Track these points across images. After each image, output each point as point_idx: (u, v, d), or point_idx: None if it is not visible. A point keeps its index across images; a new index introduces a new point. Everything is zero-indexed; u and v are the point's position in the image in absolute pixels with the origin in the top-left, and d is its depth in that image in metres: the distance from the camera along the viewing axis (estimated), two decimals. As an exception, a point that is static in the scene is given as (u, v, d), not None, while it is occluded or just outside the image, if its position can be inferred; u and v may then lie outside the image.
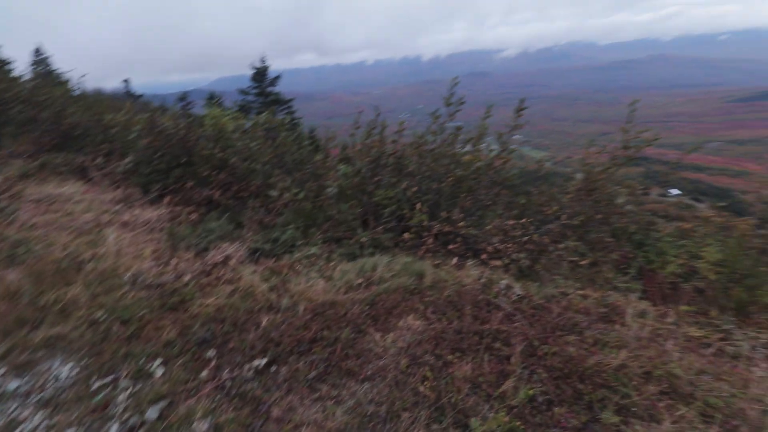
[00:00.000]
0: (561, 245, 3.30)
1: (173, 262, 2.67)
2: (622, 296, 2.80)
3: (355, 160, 4.14)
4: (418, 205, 3.43)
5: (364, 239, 3.18)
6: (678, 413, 1.68)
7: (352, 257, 3.01)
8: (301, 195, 3.82)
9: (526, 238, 3.31)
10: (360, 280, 2.62)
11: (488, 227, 3.31)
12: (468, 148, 3.62)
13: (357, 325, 2.21)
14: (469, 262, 2.97)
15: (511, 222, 3.43)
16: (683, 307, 2.78)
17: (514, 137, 3.81)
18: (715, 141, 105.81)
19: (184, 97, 18.80)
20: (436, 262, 3.02)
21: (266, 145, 4.12)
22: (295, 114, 15.56)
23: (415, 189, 3.61)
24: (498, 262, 3.05)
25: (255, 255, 2.88)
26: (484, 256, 3.08)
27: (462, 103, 3.40)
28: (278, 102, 14.53)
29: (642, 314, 2.45)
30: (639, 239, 4.26)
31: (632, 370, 1.86)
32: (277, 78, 14.52)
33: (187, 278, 2.49)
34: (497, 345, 2.05)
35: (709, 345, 2.20)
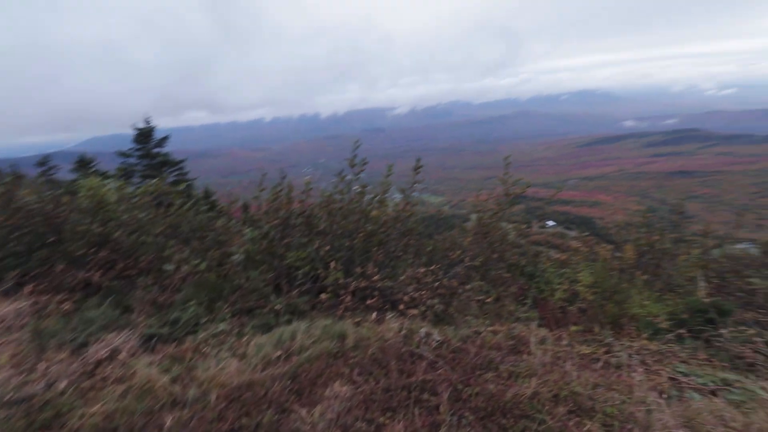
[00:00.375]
0: (468, 286, 3.60)
1: (41, 366, 2.18)
2: (524, 326, 3.14)
3: (261, 222, 4.04)
4: (333, 264, 3.46)
5: (278, 306, 3.04)
6: (585, 428, 1.91)
7: (267, 328, 2.84)
8: (203, 266, 3.54)
9: (437, 284, 3.54)
10: (278, 353, 2.47)
11: (402, 277, 3.47)
12: (375, 203, 3.84)
13: (280, 404, 2.05)
14: (389, 315, 3.04)
15: (422, 270, 3.65)
16: (573, 328, 3.23)
17: (415, 191, 4.18)
18: (572, 179, 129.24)
19: (44, 161, 16.15)
20: (356, 319, 3.02)
21: (158, 214, 3.78)
22: (188, 174, 14.59)
23: (327, 248, 3.65)
24: (415, 311, 3.18)
25: (151, 342, 2.52)
26: (401, 307, 3.19)
27: (365, 163, 3.65)
28: (167, 164, 13.51)
29: (543, 341, 2.77)
30: (530, 271, 4.88)
31: (543, 395, 2.08)
32: (164, 139, 13.60)
33: (62, 385, 2.05)
34: (425, 396, 2.10)
35: (597, 360, 2.58)
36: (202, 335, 2.59)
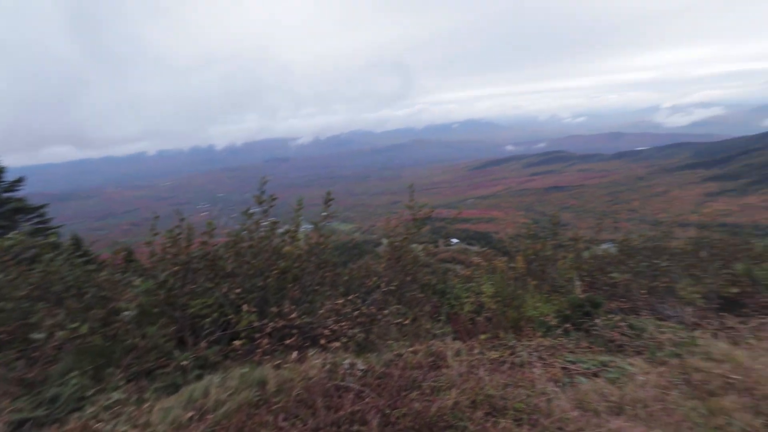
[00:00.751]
0: (386, 311, 3.75)
1: None
2: (441, 342, 3.37)
3: (156, 269, 3.67)
4: (245, 307, 3.29)
5: (185, 362, 2.78)
6: (500, 426, 2.14)
7: (173, 389, 2.56)
8: (84, 328, 3.06)
9: (356, 313, 3.61)
10: (190, 414, 2.26)
11: (321, 311, 3.46)
12: (287, 238, 3.80)
13: (197, 472, 1.87)
14: (311, 352, 3.00)
15: (341, 301, 3.69)
16: (482, 337, 3.57)
17: (327, 221, 4.24)
18: (469, 198, 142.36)
19: None
20: (276, 362, 2.91)
21: (20, 274, 3.17)
22: (51, 221, 12.37)
23: (238, 290, 3.47)
24: (337, 344, 3.19)
25: (23, 430, 2.07)
26: (323, 342, 3.17)
27: (274, 199, 3.62)
28: (21, 210, 11.29)
29: (458, 353, 3.02)
30: (441, 289, 5.26)
31: (463, 403, 2.27)
32: (18, 181, 11.38)
33: None
34: (355, 428, 2.12)
35: (504, 362, 2.90)
36: (90, 410, 2.22)
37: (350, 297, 3.78)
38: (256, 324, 3.22)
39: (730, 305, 4.55)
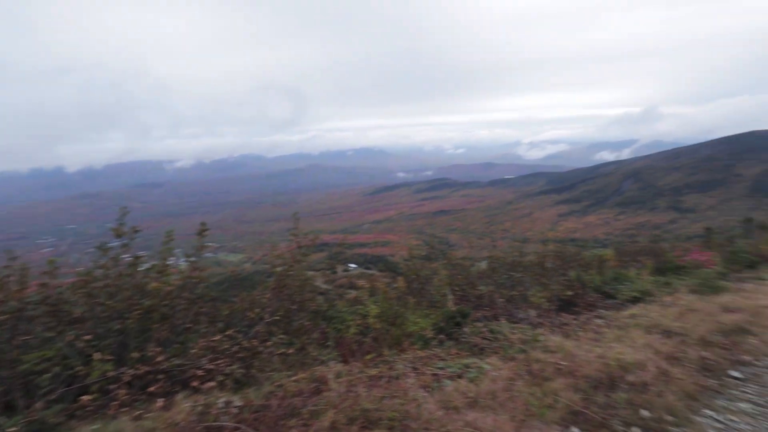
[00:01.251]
0: (269, 342, 3.69)
1: None
2: (326, 367, 3.46)
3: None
4: (97, 355, 2.91)
5: (12, 429, 2.32)
6: (374, 438, 2.31)
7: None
8: None
9: (236, 348, 3.47)
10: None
11: (194, 351, 3.25)
12: (153, 273, 3.50)
13: None
14: (179, 396, 2.79)
15: (218, 337, 3.52)
16: (367, 357, 3.77)
17: (204, 253, 4.03)
18: (365, 223, 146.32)
19: None
20: (136, 413, 2.63)
21: None
22: None
23: (88, 337, 3.05)
24: (212, 384, 3.03)
25: None
26: (195, 383, 2.98)
27: (137, 231, 3.33)
28: None
29: (340, 374, 3.15)
30: (330, 314, 5.36)
31: (340, 422, 2.39)
32: None
33: None
34: (227, 467, 2.06)
35: (382, 377, 3.12)
36: None
37: (229, 332, 3.63)
38: (111, 373, 2.87)
39: (567, 305, 5.62)
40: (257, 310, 4.17)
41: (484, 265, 7.66)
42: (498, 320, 4.72)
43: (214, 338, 3.51)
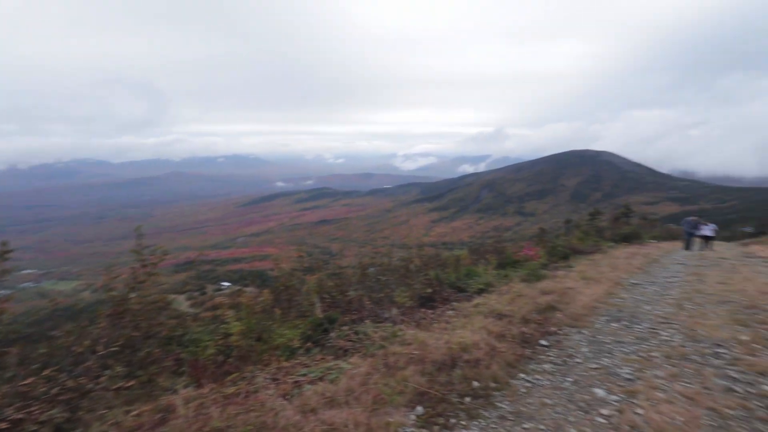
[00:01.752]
0: (104, 378, 3.24)
1: None
2: (176, 395, 3.20)
3: None
4: None
5: None
6: (225, 456, 2.26)
7: None
8: None
9: (56, 390, 2.97)
10: None
11: (-8, 400, 2.66)
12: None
13: None
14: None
15: (30, 380, 2.96)
16: (229, 378, 3.61)
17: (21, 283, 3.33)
18: (240, 237, 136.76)
19: None
20: None
21: None
22: None
23: None
24: (20, 436, 2.54)
25: None
26: (-7, 440, 2.45)
27: None
28: None
29: (191, 399, 2.96)
30: (186, 338, 4.93)
31: (185, 448, 2.27)
32: None
33: None
34: None
35: (240, 393, 3.05)
36: None
37: (47, 372, 3.08)
38: None
39: (427, 301, 6.28)
40: (87, 343, 3.62)
41: (372, 270, 8.02)
42: (364, 322, 5.02)
43: (24, 382, 2.94)
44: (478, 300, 6.13)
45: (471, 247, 11.62)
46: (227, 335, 4.61)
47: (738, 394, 3.10)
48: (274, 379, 3.27)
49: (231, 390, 3.09)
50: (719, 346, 4.09)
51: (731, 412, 2.85)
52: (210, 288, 55.02)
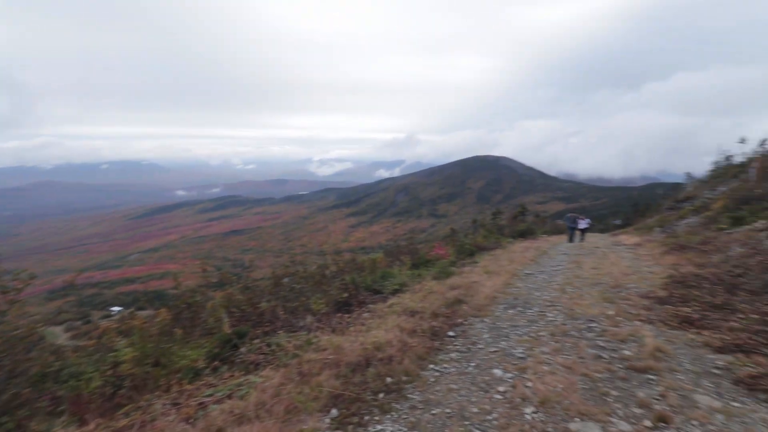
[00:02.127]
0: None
1: None
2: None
3: None
4: None
5: None
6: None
7: None
8: None
9: None
10: None
11: None
12: None
13: None
14: None
15: None
16: (121, 411, 3.25)
17: None
18: (134, 253, 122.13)
19: None
20: None
21: None
22: None
23: None
24: None
25: None
26: None
27: None
28: None
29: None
30: (65, 373, 4.30)
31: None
32: None
33: None
34: None
35: (133, 425, 2.78)
36: None
37: None
38: None
39: (344, 306, 6.33)
40: None
41: (286, 280, 7.74)
42: (277, 333, 4.90)
43: None
44: (393, 300, 6.37)
45: (387, 250, 11.98)
46: (117, 364, 4.15)
47: (604, 360, 3.71)
48: (175, 404, 3.03)
49: (122, 423, 2.80)
50: (591, 321, 4.84)
51: (599, 375, 3.40)
52: (96, 315, 48.18)
